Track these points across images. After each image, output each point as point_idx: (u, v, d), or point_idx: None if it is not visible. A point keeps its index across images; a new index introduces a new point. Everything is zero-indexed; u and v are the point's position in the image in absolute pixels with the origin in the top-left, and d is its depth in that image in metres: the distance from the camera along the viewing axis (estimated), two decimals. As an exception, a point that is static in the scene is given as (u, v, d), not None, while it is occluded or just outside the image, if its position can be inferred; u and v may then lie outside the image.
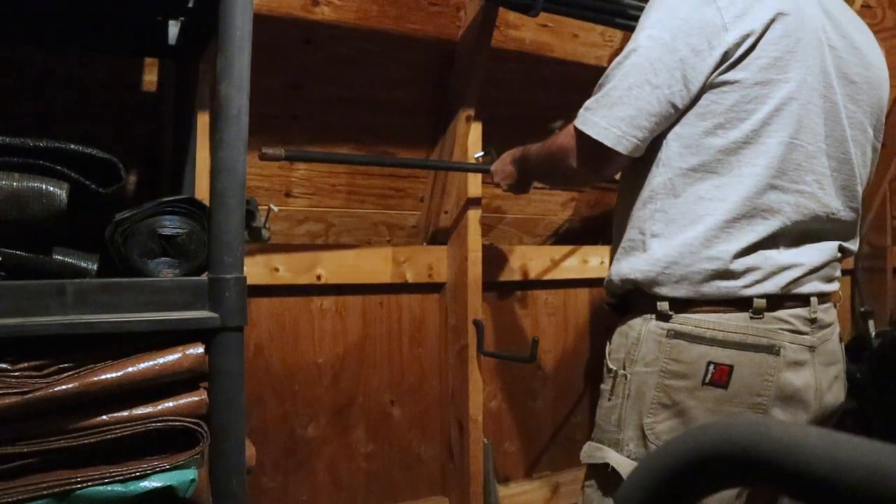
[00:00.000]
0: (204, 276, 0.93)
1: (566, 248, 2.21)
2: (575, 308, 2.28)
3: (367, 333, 1.89)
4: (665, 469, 0.42)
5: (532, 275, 2.12)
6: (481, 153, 1.83)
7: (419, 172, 1.96)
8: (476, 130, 1.87)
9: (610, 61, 2.18)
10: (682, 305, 1.08)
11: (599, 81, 1.11)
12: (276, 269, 1.71)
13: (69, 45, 1.40)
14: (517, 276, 2.10)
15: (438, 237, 1.98)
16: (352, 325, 1.87)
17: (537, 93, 2.06)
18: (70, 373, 0.81)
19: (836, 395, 1.14)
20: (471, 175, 1.87)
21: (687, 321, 1.07)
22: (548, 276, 2.16)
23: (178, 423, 0.86)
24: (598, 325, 2.32)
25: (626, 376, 1.12)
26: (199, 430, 0.87)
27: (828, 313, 1.13)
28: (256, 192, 1.71)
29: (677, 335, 1.07)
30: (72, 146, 0.91)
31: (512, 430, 2.14)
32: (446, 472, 1.98)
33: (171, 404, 0.87)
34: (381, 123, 1.86)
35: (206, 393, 0.89)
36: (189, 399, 0.88)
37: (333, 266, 1.79)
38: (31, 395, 0.78)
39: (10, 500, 0.77)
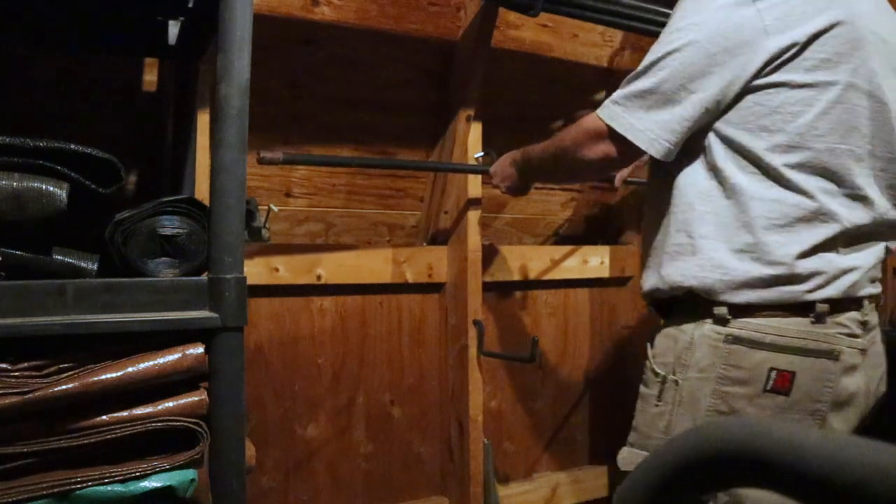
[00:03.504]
0: (204, 276, 0.93)
1: (566, 248, 2.21)
2: (575, 308, 2.27)
3: (367, 333, 1.89)
4: (666, 468, 0.42)
5: (532, 275, 2.12)
6: (481, 154, 1.82)
7: (419, 172, 1.96)
8: (476, 130, 1.87)
9: (610, 61, 2.21)
10: (741, 310, 1.05)
11: (632, 75, 1.09)
12: (276, 269, 1.71)
13: (69, 45, 1.40)
14: (517, 276, 2.09)
15: (438, 237, 1.98)
16: (352, 325, 1.87)
17: (537, 93, 2.06)
18: (70, 373, 0.81)
19: (880, 394, 1.13)
20: (471, 175, 1.87)
21: (746, 326, 1.04)
22: (548, 276, 2.16)
23: (178, 423, 0.86)
24: (598, 325, 2.32)
25: (676, 382, 1.08)
26: (199, 430, 0.87)
27: (874, 315, 1.12)
28: (256, 192, 1.71)
29: (736, 340, 1.04)
30: (72, 146, 0.91)
31: (512, 430, 2.14)
32: (446, 472, 1.98)
33: (171, 404, 0.87)
34: (381, 123, 1.86)
35: (206, 393, 0.89)
36: (189, 399, 0.88)
37: (333, 266, 1.79)
38: (31, 395, 0.78)
39: (10, 500, 0.77)
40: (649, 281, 1.18)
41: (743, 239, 1.04)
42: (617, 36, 2.11)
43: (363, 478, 1.88)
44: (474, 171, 1.80)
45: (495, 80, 1.93)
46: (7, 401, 0.77)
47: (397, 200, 1.96)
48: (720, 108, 1.05)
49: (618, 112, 1.08)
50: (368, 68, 1.78)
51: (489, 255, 1.99)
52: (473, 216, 1.88)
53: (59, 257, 0.96)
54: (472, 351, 1.88)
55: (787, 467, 0.36)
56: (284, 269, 1.72)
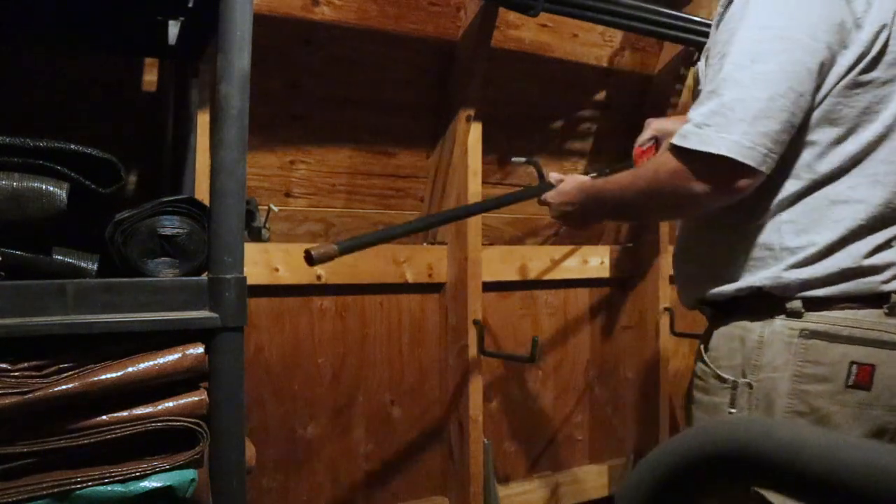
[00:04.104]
0: (204, 276, 0.93)
1: (566, 248, 2.21)
2: (575, 308, 2.28)
3: (367, 333, 1.89)
4: (666, 468, 0.42)
5: (532, 275, 2.12)
6: (522, 159, 1.72)
7: (419, 172, 1.96)
8: (476, 130, 1.87)
9: (610, 61, 2.21)
10: (816, 303, 1.01)
11: (710, 89, 0.98)
12: (276, 269, 1.71)
13: (69, 45, 1.40)
14: (517, 276, 2.09)
15: (438, 237, 1.98)
16: (352, 325, 1.87)
17: (537, 93, 2.06)
18: (70, 373, 0.81)
19: None
20: (470, 175, 1.87)
21: (822, 319, 1.00)
22: (548, 276, 2.16)
23: (178, 423, 0.86)
24: (598, 325, 2.32)
25: (749, 385, 1.02)
26: (199, 430, 0.87)
27: None
28: (256, 192, 1.71)
29: (813, 335, 1.00)
30: (72, 146, 0.91)
31: (512, 430, 2.14)
32: (446, 472, 1.98)
33: (171, 404, 0.87)
34: (381, 123, 1.86)
35: (206, 393, 0.89)
36: (189, 399, 0.88)
37: (333, 266, 1.79)
38: (31, 395, 0.78)
39: (10, 500, 0.77)
40: (706, 287, 1.11)
41: (826, 241, 1.00)
42: (617, 36, 2.11)
43: (363, 478, 1.88)
44: (528, 197, 1.55)
45: (495, 80, 1.93)
46: (7, 401, 0.77)
47: (397, 200, 1.96)
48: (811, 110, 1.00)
49: (709, 134, 0.97)
50: (368, 68, 1.78)
51: (489, 254, 1.99)
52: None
53: (59, 257, 0.96)
54: (472, 351, 1.88)
55: (787, 467, 0.36)
56: (284, 269, 1.72)
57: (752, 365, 1.03)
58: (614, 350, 2.34)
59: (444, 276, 1.96)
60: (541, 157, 2.12)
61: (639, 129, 2.34)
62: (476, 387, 1.89)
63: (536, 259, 2.14)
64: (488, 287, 1.97)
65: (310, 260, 1.23)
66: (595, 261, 2.27)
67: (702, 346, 1.13)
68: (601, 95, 2.18)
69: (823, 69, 0.97)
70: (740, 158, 0.94)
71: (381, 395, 1.91)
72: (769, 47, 0.96)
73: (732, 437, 0.39)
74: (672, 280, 2.32)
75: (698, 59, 2.16)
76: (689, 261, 1.18)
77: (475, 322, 1.88)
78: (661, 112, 2.16)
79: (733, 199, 1.00)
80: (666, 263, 2.30)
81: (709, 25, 1.90)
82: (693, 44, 1.95)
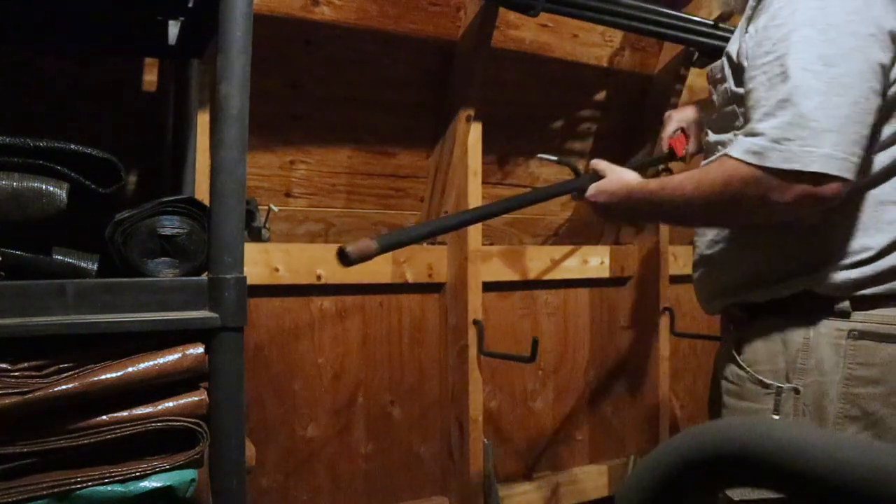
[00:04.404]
0: (204, 276, 0.93)
1: (566, 248, 2.21)
2: (575, 308, 2.27)
3: (367, 333, 1.89)
4: (666, 468, 0.42)
5: (532, 275, 2.12)
6: (553, 157, 1.61)
7: (419, 172, 1.96)
8: (476, 130, 1.87)
9: (610, 61, 2.21)
10: (863, 301, 0.97)
11: (781, 98, 0.91)
12: (276, 269, 1.71)
13: (69, 45, 1.40)
14: (517, 276, 2.09)
15: (438, 237, 1.98)
16: (352, 325, 1.87)
17: (537, 93, 2.06)
18: (70, 373, 0.81)
19: None
20: (470, 175, 1.87)
21: (870, 318, 0.96)
22: (548, 276, 2.16)
23: (178, 423, 0.86)
24: (598, 325, 2.32)
25: (796, 390, 0.97)
26: (199, 430, 0.87)
27: None
28: (256, 192, 1.70)
29: (862, 335, 0.96)
30: (72, 146, 0.91)
31: (512, 430, 2.14)
32: (446, 472, 1.98)
33: (171, 404, 0.87)
34: (381, 123, 1.86)
35: (206, 393, 0.89)
36: (189, 399, 0.88)
37: (333, 266, 1.79)
38: (31, 395, 0.78)
39: (10, 500, 0.77)
40: (746, 290, 1.07)
41: (877, 244, 0.98)
42: (617, 36, 2.11)
43: (363, 478, 1.88)
44: (568, 190, 1.41)
45: (495, 80, 1.93)
46: (7, 401, 0.77)
47: (397, 200, 1.96)
48: None
49: (793, 149, 0.90)
50: (368, 68, 1.78)
51: (489, 254, 1.99)
52: (473, 216, 1.88)
53: (59, 257, 0.96)
54: (472, 351, 1.88)
55: (787, 467, 0.36)
56: (284, 269, 1.72)
57: (799, 369, 0.98)
58: (614, 350, 2.34)
59: (444, 276, 1.96)
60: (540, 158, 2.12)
61: (639, 129, 2.35)
62: (476, 387, 1.89)
63: (536, 259, 2.14)
64: (488, 287, 1.97)
65: (345, 258, 1.08)
66: (595, 261, 2.27)
67: (733, 350, 1.07)
68: (601, 95, 2.18)
69: (893, 62, 0.91)
70: (835, 172, 0.88)
71: (381, 395, 1.91)
72: (839, 47, 0.89)
73: (733, 438, 0.39)
74: (672, 280, 2.32)
75: (698, 59, 2.16)
76: (724, 265, 1.13)
77: (475, 322, 1.88)
78: (660, 112, 2.16)
79: (821, 209, 0.94)
80: (666, 263, 2.30)
81: (709, 25, 1.91)
82: (693, 44, 1.95)
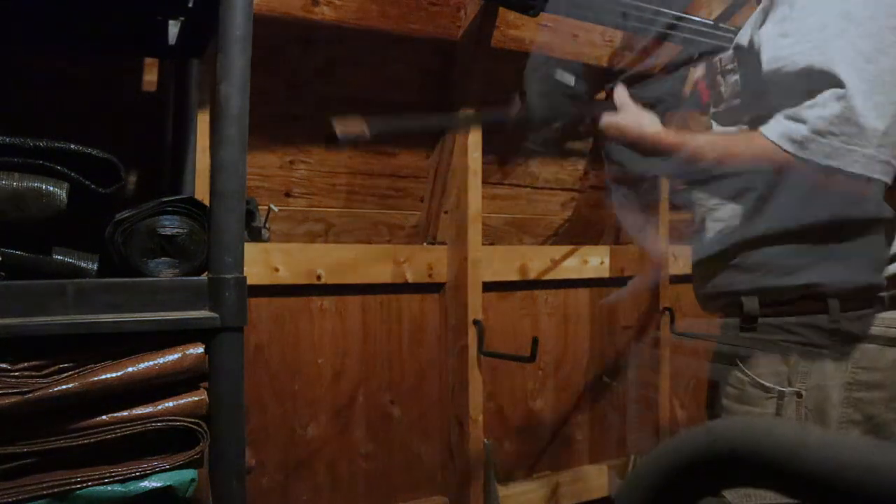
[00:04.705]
0: (204, 276, 0.93)
1: (566, 248, 2.21)
2: (575, 308, 2.27)
3: (367, 333, 1.89)
4: (666, 468, 0.42)
5: (532, 275, 2.12)
6: (571, 77, 1.45)
7: (419, 172, 1.96)
8: (476, 130, 1.87)
9: (610, 61, 2.21)
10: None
11: (829, 91, 0.87)
12: (276, 269, 1.71)
13: (69, 44, 1.40)
14: (517, 276, 2.09)
15: (438, 237, 1.98)
16: (352, 325, 1.87)
17: (537, 93, 2.06)
18: (70, 373, 0.81)
19: None
20: (471, 175, 1.87)
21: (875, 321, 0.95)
22: (548, 276, 2.16)
23: (178, 423, 0.86)
24: (598, 325, 2.32)
25: (798, 394, 0.96)
26: (199, 430, 0.87)
27: None
28: (256, 192, 1.70)
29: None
30: (72, 146, 0.91)
31: (512, 430, 2.14)
32: (446, 472, 1.98)
33: (171, 404, 0.87)
34: (381, 123, 1.86)
35: (206, 393, 0.89)
36: (189, 399, 0.88)
37: (333, 266, 1.79)
38: (31, 395, 0.78)
39: (10, 500, 0.77)
40: (745, 292, 1.05)
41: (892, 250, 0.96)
42: (617, 36, 2.11)
43: (363, 478, 1.88)
44: (585, 113, 1.41)
45: (495, 80, 1.93)
46: (7, 401, 0.77)
47: (397, 200, 1.96)
48: None
49: (837, 146, 0.88)
50: (368, 68, 1.78)
51: (489, 254, 1.99)
52: (474, 216, 1.88)
53: (59, 257, 0.96)
54: (472, 351, 1.88)
55: (787, 467, 0.36)
56: (284, 269, 1.72)
57: (800, 373, 0.97)
58: (614, 350, 2.34)
59: (444, 276, 1.96)
60: (540, 158, 2.12)
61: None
62: (476, 387, 1.89)
63: (536, 259, 2.14)
64: (488, 287, 1.97)
65: (333, 138, 1.07)
66: (595, 261, 2.26)
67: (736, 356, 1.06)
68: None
69: None
70: (875, 176, 0.86)
71: (380, 395, 1.91)
72: (883, 41, 0.86)
73: (732, 438, 0.39)
74: (672, 280, 2.32)
75: (698, 59, 2.16)
76: (729, 264, 1.10)
77: (475, 322, 1.88)
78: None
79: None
80: (666, 263, 2.29)
81: (709, 25, 1.91)
82: (693, 44, 1.94)
